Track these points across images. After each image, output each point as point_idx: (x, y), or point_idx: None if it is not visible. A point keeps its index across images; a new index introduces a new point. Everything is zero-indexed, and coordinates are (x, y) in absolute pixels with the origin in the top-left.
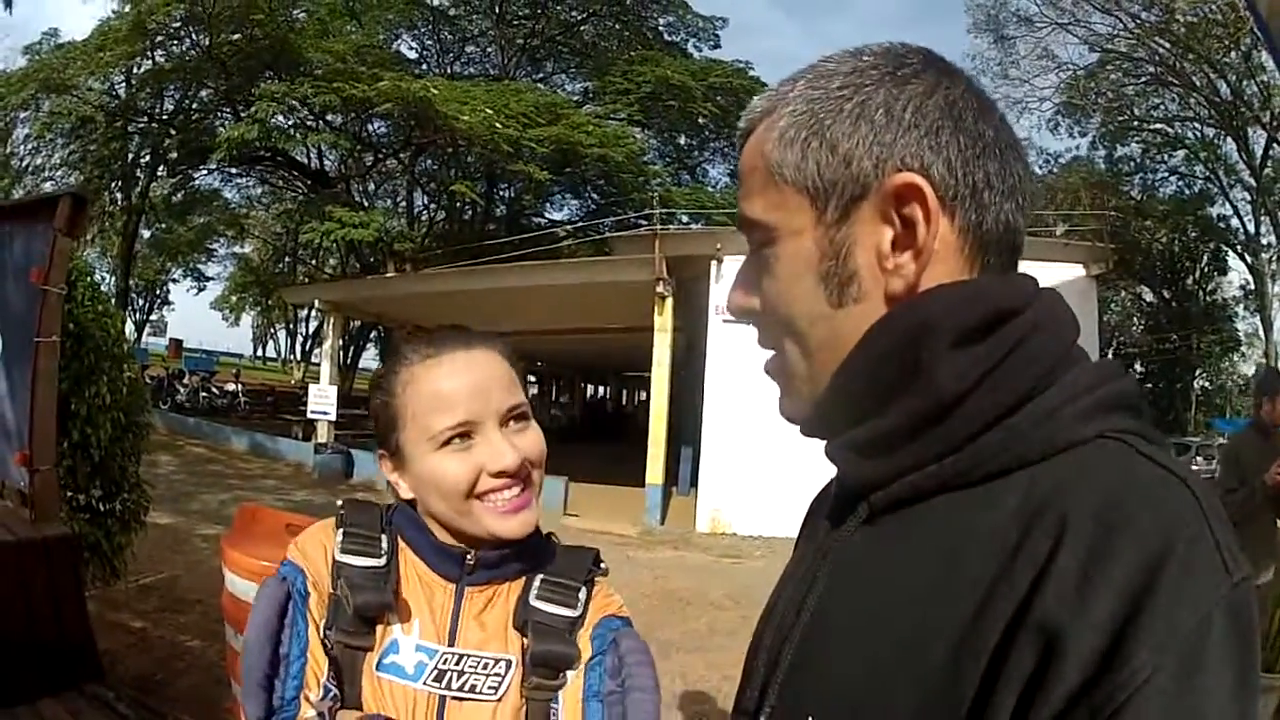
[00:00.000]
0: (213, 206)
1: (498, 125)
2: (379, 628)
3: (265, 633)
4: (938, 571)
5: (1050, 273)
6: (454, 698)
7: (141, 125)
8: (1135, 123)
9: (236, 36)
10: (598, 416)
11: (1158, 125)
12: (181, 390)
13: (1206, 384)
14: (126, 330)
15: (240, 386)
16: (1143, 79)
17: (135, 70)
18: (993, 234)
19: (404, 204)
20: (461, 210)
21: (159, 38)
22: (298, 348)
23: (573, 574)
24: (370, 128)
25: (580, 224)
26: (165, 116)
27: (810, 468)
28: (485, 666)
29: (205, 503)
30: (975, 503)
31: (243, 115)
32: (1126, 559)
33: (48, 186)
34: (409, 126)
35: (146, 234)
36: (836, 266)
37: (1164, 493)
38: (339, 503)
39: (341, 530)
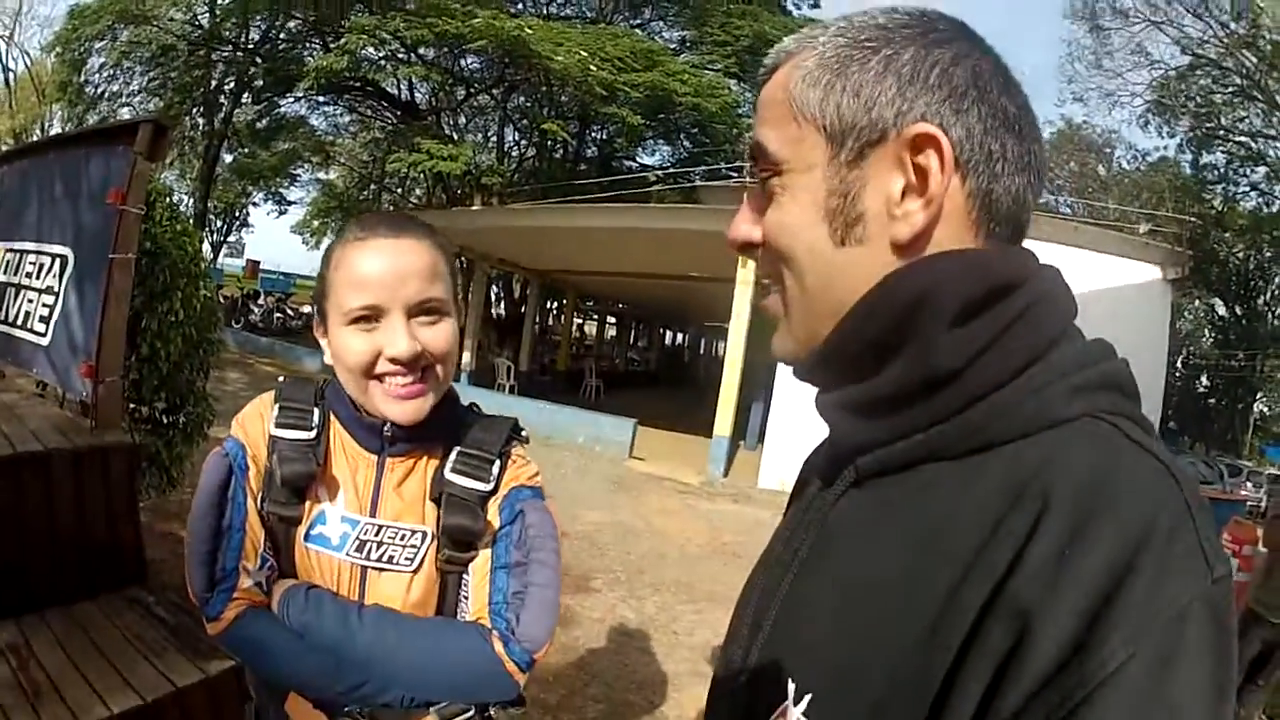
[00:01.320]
0: (298, 133)
1: (592, 68)
2: (308, 500)
3: (207, 506)
4: (919, 543)
5: (1127, 270)
6: (374, 568)
7: (226, 54)
8: (1221, 132)
9: None
10: (674, 364)
11: (1242, 138)
12: (256, 310)
13: (1265, 409)
14: (204, 251)
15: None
16: (1229, 89)
17: (220, 1)
18: (1002, 204)
19: (494, 139)
20: (553, 149)
21: None
22: None
23: (488, 447)
24: (463, 63)
25: (671, 170)
26: (251, 45)
27: None
28: (402, 538)
29: None
30: (960, 474)
31: (332, 47)
32: (1105, 544)
33: (124, 113)
34: (502, 64)
35: (229, 158)
36: (844, 205)
37: (1149, 480)
38: (280, 378)
39: (278, 405)
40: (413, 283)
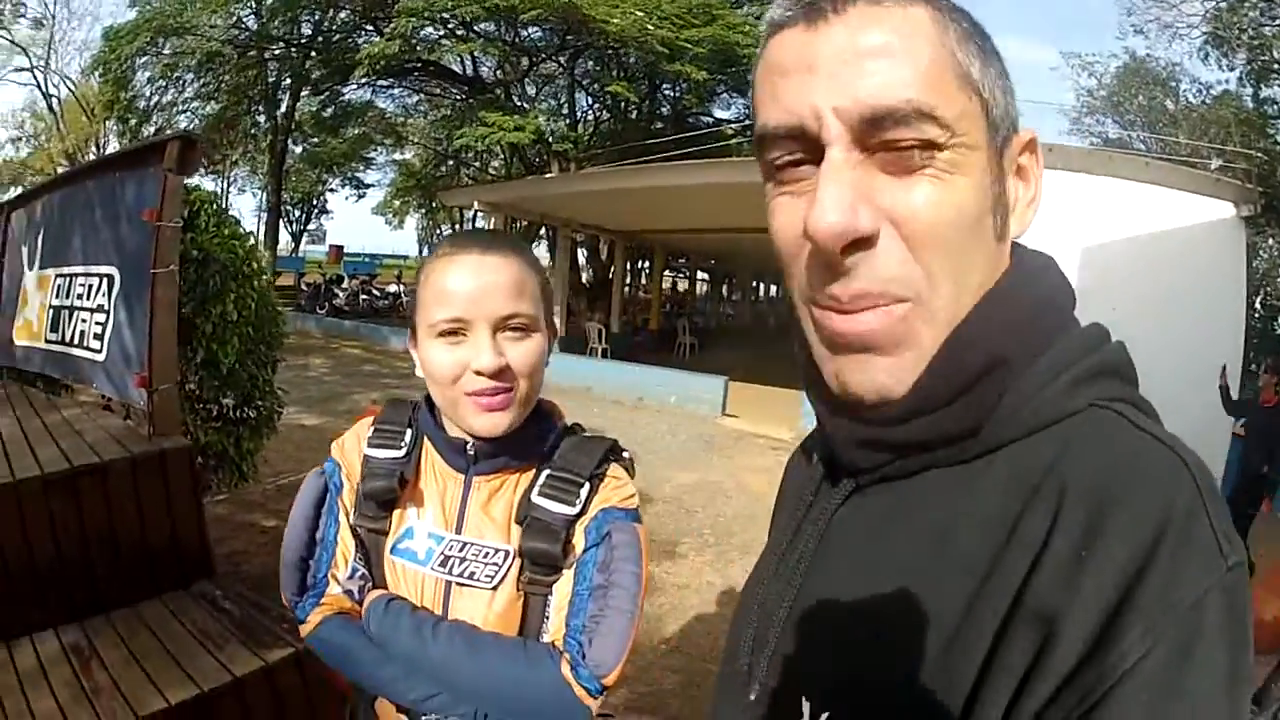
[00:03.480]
0: (366, 118)
1: (649, 27)
2: (396, 514)
3: (301, 520)
4: (931, 552)
5: (1201, 208)
6: (457, 583)
7: (278, 51)
8: (1276, 65)
9: None
10: (766, 316)
11: None
12: (340, 294)
13: None
14: (283, 241)
15: (402, 288)
16: (1278, 21)
17: (263, 1)
18: None
19: (566, 106)
20: (625, 111)
21: None
22: None
23: (578, 469)
24: (523, 34)
25: (746, 123)
26: (303, 40)
27: None
28: (485, 555)
29: (355, 403)
30: (967, 478)
31: (384, 32)
32: (1120, 539)
33: (181, 120)
34: (562, 31)
35: (298, 149)
36: (1002, 195)
37: (1160, 470)
38: (374, 399)
39: (373, 426)
40: (499, 297)
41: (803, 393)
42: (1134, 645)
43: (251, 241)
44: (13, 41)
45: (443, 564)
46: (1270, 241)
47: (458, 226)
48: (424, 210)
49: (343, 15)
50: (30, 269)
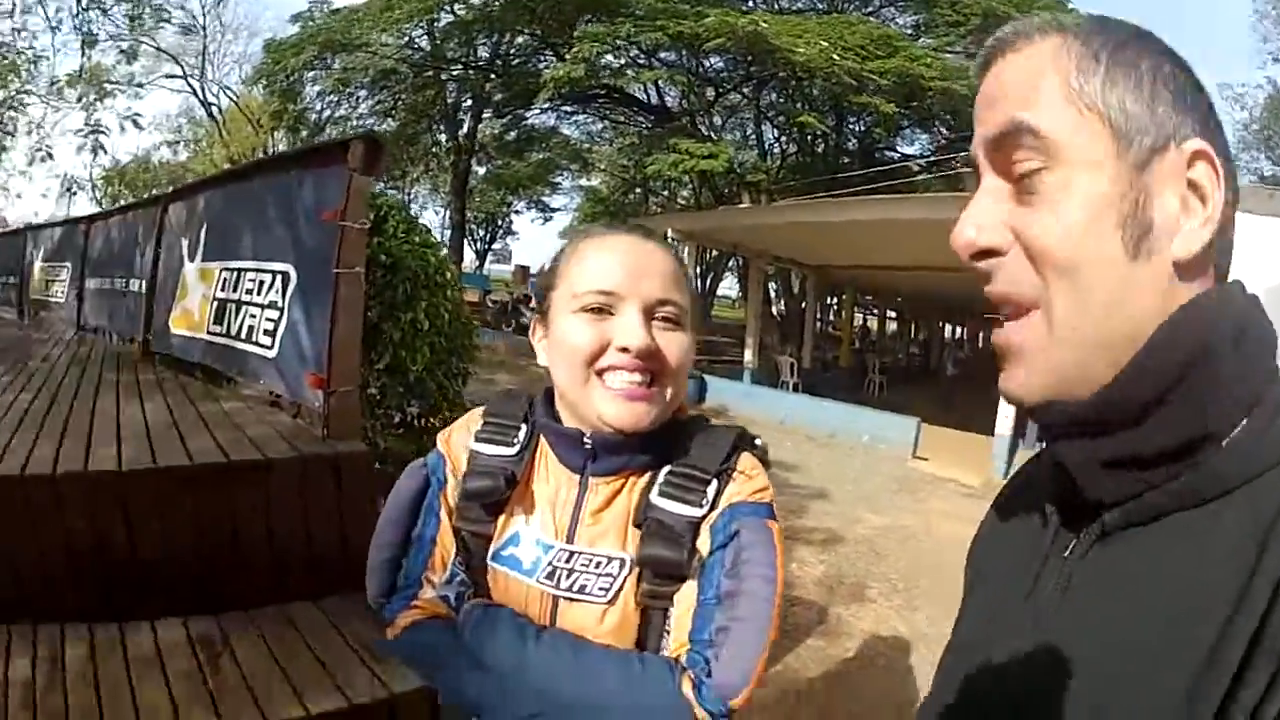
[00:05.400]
0: (550, 143)
1: (835, 57)
2: (503, 518)
3: (397, 515)
4: (1174, 601)
5: None
6: (566, 598)
7: (456, 73)
8: None
9: None
10: (954, 357)
11: None
12: (526, 314)
13: None
14: (467, 259)
15: None
16: None
17: (436, 23)
18: (1229, 238)
19: (753, 138)
20: (813, 143)
21: None
22: None
23: (704, 465)
24: (706, 63)
25: (932, 158)
26: (481, 63)
27: None
28: (597, 566)
29: None
30: (1205, 523)
31: (565, 57)
32: None
33: None
34: (746, 61)
35: (481, 170)
36: (1137, 212)
37: None
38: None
39: (484, 418)
40: (656, 280)
41: (994, 438)
42: None
43: (444, 251)
44: (159, 49)
45: (550, 576)
46: None
47: None
48: None
49: (520, 40)
50: (191, 261)
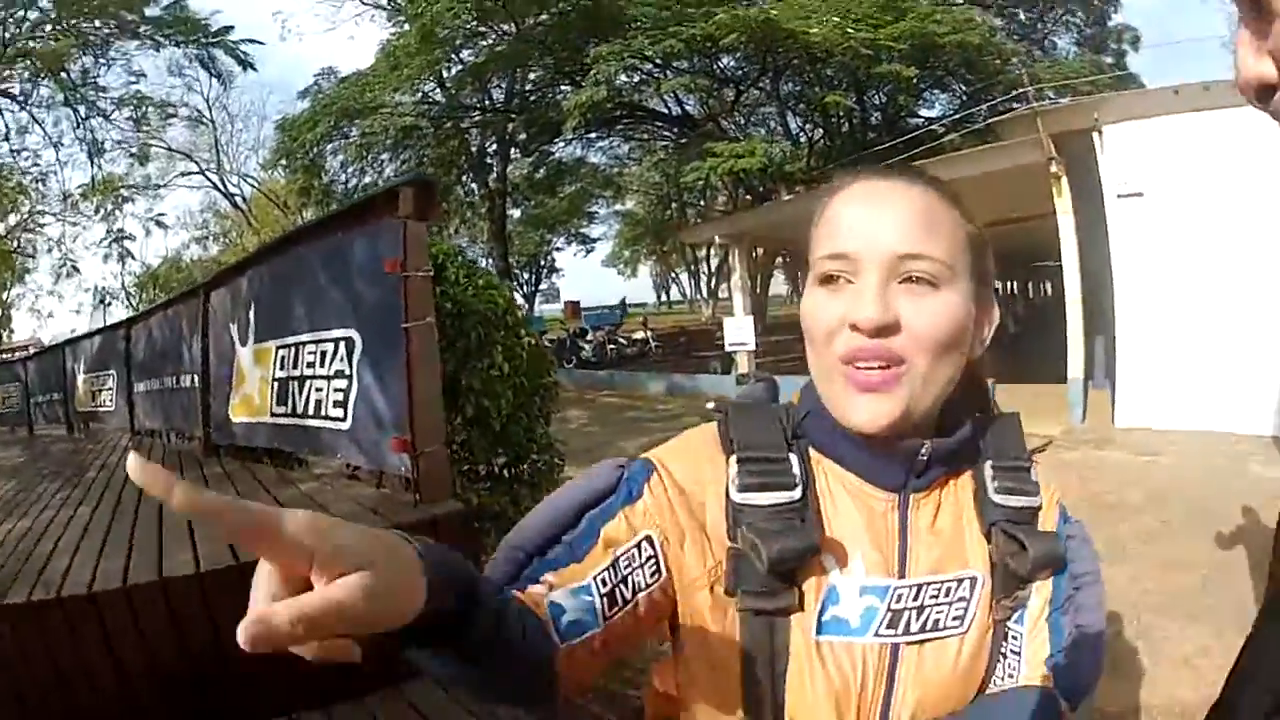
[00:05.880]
0: (580, 174)
1: (849, 30)
2: (803, 578)
3: (554, 515)
4: None
5: None
6: (913, 642)
7: (476, 118)
8: None
9: (544, 16)
10: (1009, 312)
11: None
12: (586, 347)
13: None
14: (516, 302)
15: (649, 333)
16: None
17: (446, 73)
18: None
19: (779, 130)
20: (839, 124)
21: (456, 40)
22: (703, 286)
23: (1015, 452)
24: (721, 64)
25: (955, 116)
26: (499, 105)
27: (1226, 356)
28: (948, 593)
29: (622, 449)
30: None
31: (582, 83)
32: None
33: None
34: (761, 53)
35: (516, 213)
36: None
37: None
38: (710, 405)
39: (736, 459)
40: (895, 229)
41: (1063, 385)
42: None
43: (510, 292)
44: (170, 149)
45: (891, 624)
46: None
47: (694, 266)
48: (654, 255)
49: (534, 75)
50: (244, 345)
